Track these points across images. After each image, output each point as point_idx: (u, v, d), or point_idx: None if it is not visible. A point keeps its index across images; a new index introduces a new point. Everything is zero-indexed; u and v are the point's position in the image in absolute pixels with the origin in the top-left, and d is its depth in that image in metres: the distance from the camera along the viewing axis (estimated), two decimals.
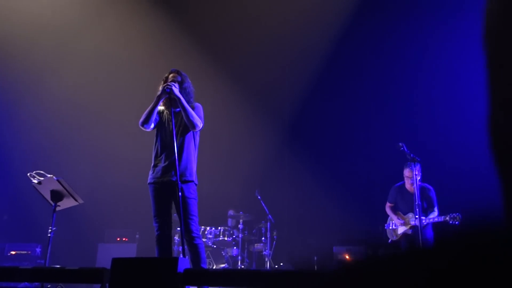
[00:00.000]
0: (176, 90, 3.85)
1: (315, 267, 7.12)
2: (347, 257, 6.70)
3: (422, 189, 5.51)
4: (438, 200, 5.68)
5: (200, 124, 3.92)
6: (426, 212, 5.52)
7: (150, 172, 3.93)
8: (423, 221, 5.27)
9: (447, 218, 5.21)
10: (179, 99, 3.84)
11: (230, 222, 7.53)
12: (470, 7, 6.17)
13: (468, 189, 6.22)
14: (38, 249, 7.02)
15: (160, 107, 4.02)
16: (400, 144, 5.04)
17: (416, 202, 4.91)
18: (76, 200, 4.45)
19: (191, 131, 3.97)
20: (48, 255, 4.15)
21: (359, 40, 8.35)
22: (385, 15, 8.02)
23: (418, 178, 5.50)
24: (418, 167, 5.28)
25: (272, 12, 8.09)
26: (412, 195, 5.60)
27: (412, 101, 7.96)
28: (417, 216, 5.13)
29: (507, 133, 0.28)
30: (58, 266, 3.70)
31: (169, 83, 3.87)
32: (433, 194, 5.66)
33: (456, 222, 5.25)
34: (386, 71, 8.20)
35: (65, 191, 4.36)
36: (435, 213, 5.51)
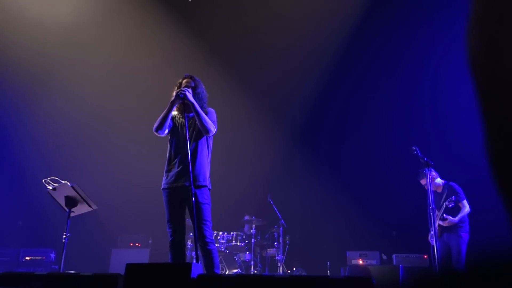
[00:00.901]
0: (189, 95, 3.87)
1: (328, 272, 7.08)
2: (360, 262, 6.65)
3: (449, 187, 5.85)
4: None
5: (213, 129, 3.93)
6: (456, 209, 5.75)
7: (164, 178, 3.95)
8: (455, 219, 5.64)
9: (446, 203, 5.64)
10: (193, 104, 3.86)
11: (247, 227, 7.47)
12: None
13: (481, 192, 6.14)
14: (52, 255, 7.08)
15: (174, 113, 4.04)
16: (414, 147, 5.01)
17: (430, 206, 4.86)
18: (90, 206, 4.48)
19: (205, 136, 3.98)
20: (62, 260, 4.18)
21: (370, 43, 8.31)
22: (395, 19, 7.98)
23: (438, 180, 5.70)
24: (432, 170, 5.25)
25: (282, 16, 8.10)
26: (438, 194, 5.89)
27: (426, 104, 7.89)
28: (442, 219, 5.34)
29: (506, 160, 0.28)
30: (72, 271, 3.73)
31: (182, 89, 3.89)
32: (459, 189, 5.84)
33: (452, 204, 5.65)
34: (399, 74, 8.14)
35: (79, 197, 4.40)
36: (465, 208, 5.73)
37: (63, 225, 4.31)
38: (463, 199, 5.72)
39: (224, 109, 5.89)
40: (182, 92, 3.84)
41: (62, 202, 4.42)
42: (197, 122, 3.89)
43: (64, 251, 4.21)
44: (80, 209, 4.49)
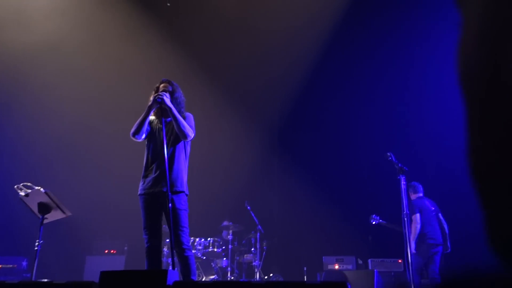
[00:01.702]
0: (167, 100, 3.85)
1: (305, 277, 7.11)
2: (336, 267, 6.70)
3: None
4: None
5: (191, 134, 3.91)
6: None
7: (141, 183, 3.90)
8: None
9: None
10: (170, 109, 3.84)
11: (224, 233, 7.45)
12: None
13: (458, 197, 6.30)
14: (24, 263, 6.90)
15: (151, 117, 4.01)
16: (389, 154, 5.08)
17: (404, 211, 4.94)
18: (64, 212, 4.40)
19: (182, 141, 3.96)
20: (35, 268, 4.09)
21: (347, 48, 8.42)
22: (373, 24, 8.10)
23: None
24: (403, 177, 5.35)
25: (261, 20, 8.10)
26: None
27: (403, 110, 8.03)
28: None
29: (486, 162, 0.29)
30: (45, 280, 3.65)
31: (160, 93, 3.86)
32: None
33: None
34: (376, 79, 8.27)
35: (53, 203, 4.32)
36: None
37: (35, 232, 4.22)
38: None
39: (202, 113, 5.88)
40: (160, 96, 3.82)
41: (35, 208, 4.32)
42: (174, 127, 3.87)
43: (37, 259, 4.11)
44: (54, 215, 4.40)
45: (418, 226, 6.12)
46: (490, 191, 0.31)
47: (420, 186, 6.54)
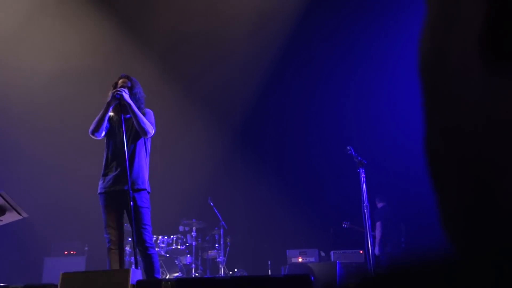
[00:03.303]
0: (126, 96, 3.78)
1: (269, 271, 7.18)
2: (300, 260, 6.80)
3: None
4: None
5: (151, 130, 3.85)
6: None
7: (100, 182, 3.82)
8: None
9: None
10: (130, 105, 3.77)
11: (181, 228, 7.42)
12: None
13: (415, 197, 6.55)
14: None
15: (111, 114, 3.93)
16: (348, 147, 5.19)
17: (364, 203, 5.06)
18: (19, 214, 4.24)
19: (142, 138, 3.90)
20: None
21: (307, 44, 8.52)
22: (333, 21, 8.22)
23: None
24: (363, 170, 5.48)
25: (222, 17, 8.07)
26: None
27: (362, 105, 8.21)
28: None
29: (445, 159, 0.31)
30: (2, 284, 3.52)
31: (118, 89, 3.79)
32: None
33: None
34: (336, 75, 8.41)
35: (7, 205, 4.15)
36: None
37: None
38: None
39: (162, 110, 5.80)
40: (118, 92, 3.74)
41: None
42: (134, 123, 3.81)
43: None
44: (9, 217, 4.23)
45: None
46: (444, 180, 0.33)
47: None
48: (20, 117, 7.80)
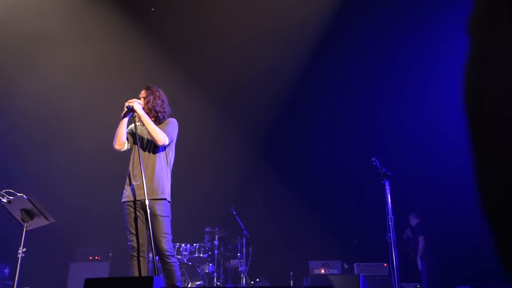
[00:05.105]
0: (138, 106, 3.84)
1: (291, 282, 7.11)
2: (322, 271, 6.72)
3: None
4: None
5: (164, 139, 3.85)
6: None
7: (124, 191, 3.90)
8: None
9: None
10: (141, 115, 3.84)
11: (207, 238, 7.44)
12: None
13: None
14: (6, 270, 6.79)
15: (133, 125, 4.02)
16: (373, 158, 5.13)
17: (388, 215, 4.98)
18: (47, 219, 4.34)
19: (162, 148, 3.94)
20: (17, 276, 4.02)
21: (334, 53, 8.37)
22: (362, 24, 8.09)
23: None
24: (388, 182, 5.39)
25: (248, 22, 8.04)
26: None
27: (389, 115, 8.08)
28: None
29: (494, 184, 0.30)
30: None
31: (131, 100, 3.87)
32: None
33: None
34: (363, 85, 8.28)
35: (36, 210, 4.26)
36: None
37: (18, 240, 4.15)
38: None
39: (187, 119, 5.86)
40: (130, 104, 3.83)
41: (17, 215, 4.26)
42: (148, 133, 3.87)
43: (19, 266, 4.05)
44: (37, 222, 4.34)
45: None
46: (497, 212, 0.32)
47: None
48: (53, 124, 7.96)
